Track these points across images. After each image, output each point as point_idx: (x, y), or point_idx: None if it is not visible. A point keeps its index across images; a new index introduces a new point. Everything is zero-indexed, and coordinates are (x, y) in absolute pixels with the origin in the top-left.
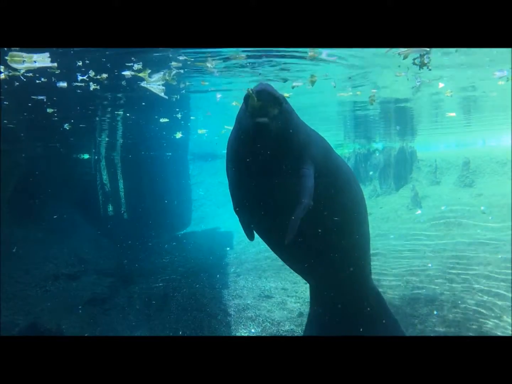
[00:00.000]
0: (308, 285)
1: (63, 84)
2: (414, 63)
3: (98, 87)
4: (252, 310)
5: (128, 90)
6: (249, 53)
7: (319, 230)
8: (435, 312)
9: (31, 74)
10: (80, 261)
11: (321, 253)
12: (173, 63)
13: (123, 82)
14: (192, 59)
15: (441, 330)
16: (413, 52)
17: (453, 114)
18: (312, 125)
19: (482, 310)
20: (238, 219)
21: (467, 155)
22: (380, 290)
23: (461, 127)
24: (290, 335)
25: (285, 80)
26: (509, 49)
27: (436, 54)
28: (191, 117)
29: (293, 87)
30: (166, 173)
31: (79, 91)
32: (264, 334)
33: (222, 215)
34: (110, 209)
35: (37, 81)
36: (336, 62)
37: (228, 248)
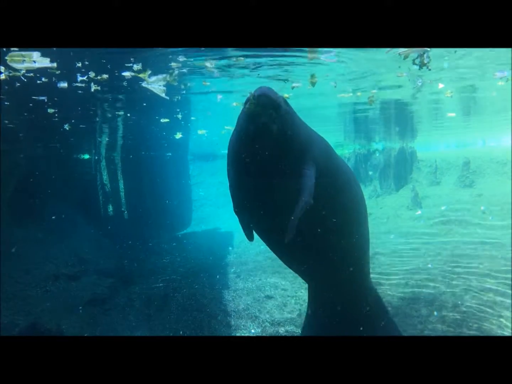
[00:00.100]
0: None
1: (64, 85)
2: (414, 63)
3: (99, 87)
4: (252, 310)
5: (129, 90)
6: (249, 53)
7: (319, 230)
8: (435, 313)
9: (31, 74)
10: (80, 261)
11: (320, 253)
12: (173, 64)
13: (124, 83)
14: (192, 60)
15: (441, 330)
16: (413, 52)
17: (453, 114)
18: (312, 125)
19: (482, 310)
20: (238, 219)
21: (467, 156)
22: (380, 290)
23: (461, 128)
24: (290, 335)
25: (286, 80)
26: (509, 49)
27: (436, 55)
28: (192, 118)
29: (292, 88)
30: (166, 173)
31: (80, 91)
32: (264, 335)
33: (222, 216)
34: (110, 209)
35: (38, 82)
36: (336, 63)
37: (228, 249)
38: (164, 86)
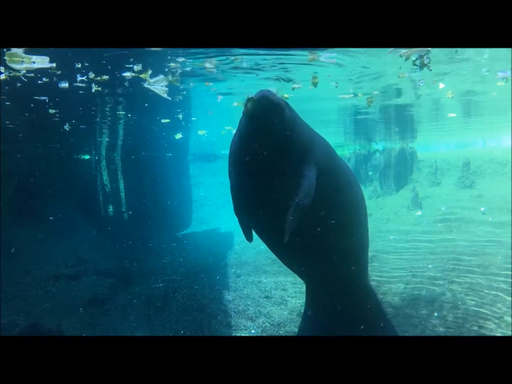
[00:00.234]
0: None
1: (64, 85)
2: (414, 64)
3: (100, 88)
4: (252, 310)
5: (131, 91)
6: (249, 53)
7: (319, 230)
8: (435, 314)
9: (32, 74)
10: (80, 262)
11: (320, 253)
12: (173, 64)
13: (126, 83)
14: (191, 60)
15: (441, 330)
16: (414, 53)
17: (453, 114)
18: (312, 126)
19: (483, 311)
20: (237, 220)
21: (467, 156)
22: (380, 290)
23: (461, 128)
24: (290, 335)
25: (288, 81)
26: (509, 49)
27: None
28: (193, 118)
29: (293, 89)
30: (167, 173)
31: (81, 92)
32: (264, 335)
33: (223, 216)
34: (111, 209)
35: (39, 82)
36: (336, 64)
37: (228, 249)
38: (166, 86)
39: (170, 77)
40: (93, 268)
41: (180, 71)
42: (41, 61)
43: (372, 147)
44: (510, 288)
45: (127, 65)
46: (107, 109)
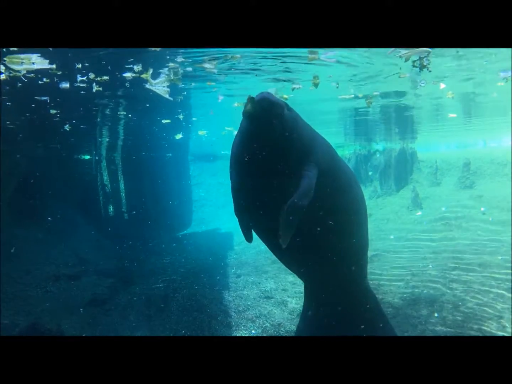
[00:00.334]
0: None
1: (65, 85)
2: (414, 66)
3: (100, 88)
4: (252, 311)
5: (132, 91)
6: (250, 53)
7: (318, 230)
8: (435, 315)
9: (32, 75)
10: (80, 262)
11: (320, 253)
12: (171, 64)
13: (127, 84)
14: (190, 60)
15: (441, 331)
16: (414, 54)
17: (453, 115)
18: (312, 126)
19: (483, 311)
20: (238, 220)
21: (468, 156)
22: (380, 290)
23: (462, 128)
24: (290, 335)
25: (289, 81)
26: (508, 49)
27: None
28: (193, 118)
29: (293, 89)
30: (167, 174)
31: (82, 92)
32: (264, 335)
33: (223, 216)
34: (111, 209)
35: (40, 82)
36: (336, 63)
37: (228, 249)
38: (167, 87)
39: (171, 76)
40: (93, 268)
41: (181, 71)
42: (40, 62)
43: (372, 148)
44: (510, 288)
45: (127, 66)
46: (108, 109)
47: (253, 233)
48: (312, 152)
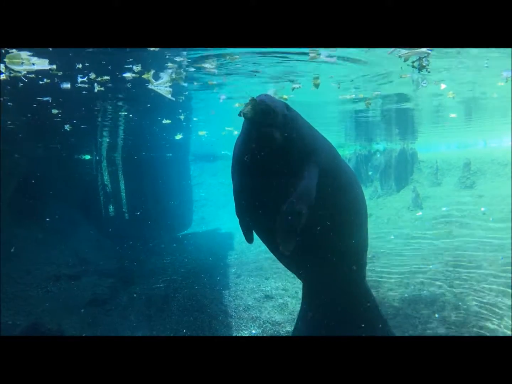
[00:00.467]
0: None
1: (66, 86)
2: (413, 66)
3: (102, 88)
4: (253, 311)
5: (133, 91)
6: (250, 53)
7: (319, 230)
8: (436, 315)
9: (33, 75)
10: (81, 262)
11: (320, 254)
12: (170, 64)
13: (128, 84)
14: (189, 60)
15: (442, 331)
16: (414, 54)
17: (453, 115)
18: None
19: (483, 311)
20: (238, 221)
21: (468, 156)
22: (381, 290)
23: (462, 128)
24: (290, 335)
25: (291, 81)
26: (508, 49)
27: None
28: (194, 119)
29: (293, 89)
30: (167, 174)
31: (83, 92)
32: (264, 335)
33: (223, 216)
34: (111, 210)
35: (40, 82)
36: (337, 63)
37: (228, 249)
38: (170, 87)
39: (174, 75)
40: (94, 268)
41: (183, 71)
42: (40, 63)
43: (372, 148)
44: (510, 288)
45: (126, 66)
46: (109, 109)
47: (254, 234)
48: (313, 152)
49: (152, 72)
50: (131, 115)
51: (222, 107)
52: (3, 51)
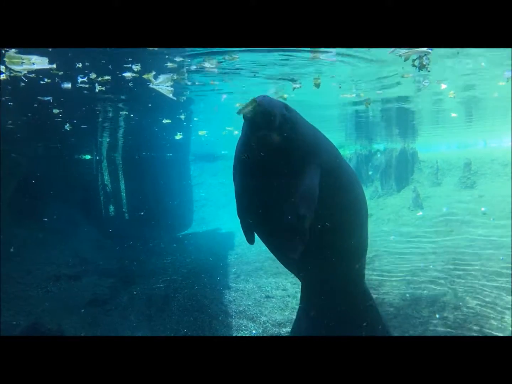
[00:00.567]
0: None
1: (67, 86)
2: (413, 65)
3: (103, 88)
4: (253, 311)
5: (134, 91)
6: (249, 53)
7: (319, 229)
8: (437, 316)
9: (33, 75)
10: (81, 262)
11: (320, 253)
12: (169, 64)
13: (130, 84)
14: (189, 60)
15: (442, 331)
16: (414, 53)
17: (454, 115)
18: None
19: (484, 311)
20: (240, 222)
21: (468, 156)
22: (381, 290)
23: (462, 128)
24: (291, 335)
25: (294, 80)
26: (508, 49)
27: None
28: (195, 118)
29: (293, 89)
30: (168, 174)
31: (84, 92)
32: (265, 335)
33: (223, 216)
34: (112, 210)
35: (41, 82)
36: (337, 62)
37: (229, 249)
38: (171, 86)
39: (175, 76)
40: (94, 268)
41: (185, 70)
42: (40, 62)
43: (373, 148)
44: (511, 288)
45: (126, 65)
46: (110, 109)
47: (255, 235)
48: (315, 152)
49: (153, 72)
50: (132, 115)
51: (223, 107)
52: (3, 51)
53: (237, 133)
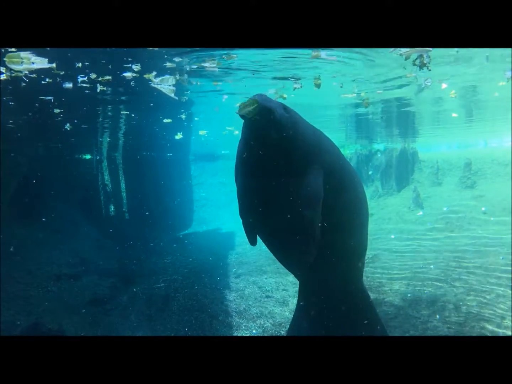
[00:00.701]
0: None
1: (69, 85)
2: (414, 64)
3: (104, 88)
4: (253, 310)
5: (137, 91)
6: (250, 52)
7: (319, 228)
8: (437, 316)
9: (35, 75)
10: (81, 262)
11: (321, 253)
12: (168, 64)
13: (132, 83)
14: (188, 60)
15: (442, 331)
16: (415, 52)
17: (455, 115)
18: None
19: (484, 311)
20: (242, 223)
21: (469, 156)
22: (381, 290)
23: (463, 128)
24: (291, 335)
25: (296, 79)
26: (508, 49)
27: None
28: (195, 118)
29: (294, 89)
30: (168, 173)
31: (85, 92)
32: (265, 335)
33: (223, 216)
34: (112, 209)
35: (43, 82)
36: (337, 61)
37: (229, 249)
38: (173, 86)
39: (177, 76)
40: (94, 268)
41: (186, 70)
42: (40, 62)
43: (373, 147)
44: (511, 288)
45: (126, 65)
46: (110, 108)
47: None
48: (316, 152)
49: (154, 72)
50: (133, 115)
51: (223, 107)
52: (2, 50)
53: (238, 133)
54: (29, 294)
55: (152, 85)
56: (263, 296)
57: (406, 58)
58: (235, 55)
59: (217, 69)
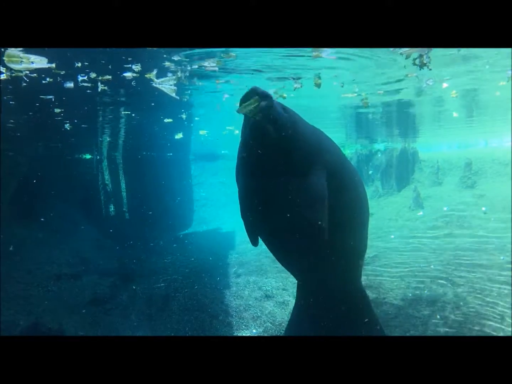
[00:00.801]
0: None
1: (70, 85)
2: (414, 63)
3: (106, 88)
4: (253, 310)
5: (137, 90)
6: (250, 52)
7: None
8: (438, 317)
9: (35, 75)
10: (82, 261)
11: (321, 253)
12: (167, 63)
13: (133, 83)
14: (188, 60)
15: (443, 331)
16: (415, 51)
17: (455, 114)
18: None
19: (484, 311)
20: (243, 224)
21: (469, 156)
22: (381, 290)
23: (463, 128)
24: (290, 335)
25: (296, 79)
26: (509, 49)
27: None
28: (196, 118)
29: (294, 89)
30: (168, 173)
31: (85, 91)
32: (265, 335)
33: (224, 216)
34: (112, 209)
35: (43, 82)
36: (337, 60)
37: (229, 249)
38: (174, 85)
39: (179, 74)
40: (95, 267)
41: (186, 70)
42: (39, 61)
43: (373, 147)
44: (511, 288)
45: (126, 65)
46: (111, 108)
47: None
48: (317, 152)
49: (155, 72)
50: (133, 114)
51: (223, 106)
52: (2, 49)
53: (238, 132)
54: (29, 294)
55: (154, 85)
56: (263, 296)
57: (407, 57)
58: (234, 54)
59: (217, 69)
